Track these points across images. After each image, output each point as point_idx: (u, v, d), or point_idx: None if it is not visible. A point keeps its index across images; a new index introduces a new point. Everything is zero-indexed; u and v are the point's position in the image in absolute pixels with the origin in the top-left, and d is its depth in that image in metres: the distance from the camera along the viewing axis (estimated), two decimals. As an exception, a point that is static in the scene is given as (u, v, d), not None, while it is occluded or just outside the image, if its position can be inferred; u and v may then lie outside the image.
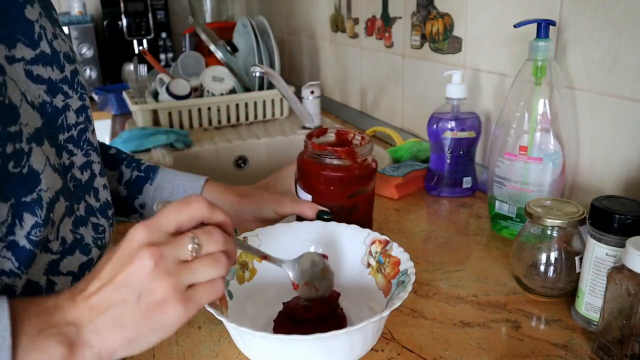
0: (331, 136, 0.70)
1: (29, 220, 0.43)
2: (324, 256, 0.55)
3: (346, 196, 0.64)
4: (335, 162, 0.63)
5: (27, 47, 0.47)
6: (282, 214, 0.67)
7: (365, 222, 0.60)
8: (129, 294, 0.37)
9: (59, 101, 0.51)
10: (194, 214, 0.40)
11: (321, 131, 0.70)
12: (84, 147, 0.54)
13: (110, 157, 0.70)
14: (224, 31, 1.80)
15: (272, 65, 1.43)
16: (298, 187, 0.68)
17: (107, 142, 1.31)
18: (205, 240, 0.40)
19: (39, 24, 0.49)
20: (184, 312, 0.38)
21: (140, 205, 0.69)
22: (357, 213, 0.65)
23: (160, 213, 0.40)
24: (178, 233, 0.40)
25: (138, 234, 0.38)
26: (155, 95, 1.43)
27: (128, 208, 0.70)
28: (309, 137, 0.67)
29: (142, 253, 0.37)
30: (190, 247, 0.39)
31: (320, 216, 0.64)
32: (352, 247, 0.61)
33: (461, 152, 0.88)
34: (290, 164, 0.75)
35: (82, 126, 0.54)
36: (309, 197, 0.66)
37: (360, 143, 0.67)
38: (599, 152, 0.72)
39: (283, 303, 0.56)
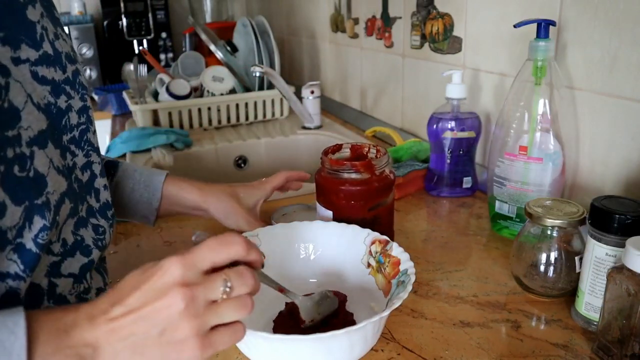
0: (346, 151, 0.70)
1: (38, 223, 0.43)
2: (334, 294, 0.56)
3: (367, 209, 0.64)
4: (354, 176, 0.63)
5: (30, 48, 0.47)
6: (240, 229, 0.70)
7: (387, 234, 0.61)
8: (153, 328, 0.37)
9: (62, 102, 0.51)
10: (231, 254, 0.41)
11: (336, 147, 0.70)
12: (85, 147, 0.54)
13: None
14: (224, 31, 1.80)
15: (272, 65, 1.43)
16: (318, 204, 0.68)
17: (107, 142, 1.31)
18: (237, 283, 0.40)
19: (40, 25, 0.49)
20: (200, 354, 0.39)
21: None
22: (379, 226, 0.65)
23: (198, 249, 0.40)
24: (211, 270, 0.40)
25: (175, 268, 0.38)
26: (155, 95, 1.43)
27: None
28: (325, 153, 0.67)
29: (175, 292, 0.37)
30: (221, 289, 0.39)
31: None
32: (352, 247, 0.61)
33: (461, 152, 0.88)
34: (266, 179, 0.77)
35: (83, 127, 0.54)
36: (329, 213, 0.66)
37: (376, 156, 0.68)
38: (599, 152, 0.72)
39: (286, 303, 0.56)
